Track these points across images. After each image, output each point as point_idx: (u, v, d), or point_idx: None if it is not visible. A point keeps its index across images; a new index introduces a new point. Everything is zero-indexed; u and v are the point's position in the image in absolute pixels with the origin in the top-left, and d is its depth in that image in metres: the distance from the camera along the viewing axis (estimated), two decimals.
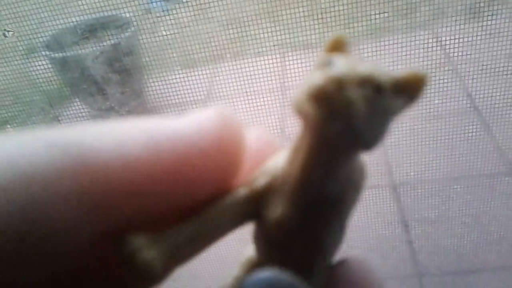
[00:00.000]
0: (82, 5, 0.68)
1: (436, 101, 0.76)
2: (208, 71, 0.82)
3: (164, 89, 0.77)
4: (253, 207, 0.12)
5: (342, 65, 0.10)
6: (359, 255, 0.13)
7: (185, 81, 0.76)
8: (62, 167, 0.09)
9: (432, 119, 0.79)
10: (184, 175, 0.11)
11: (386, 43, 0.68)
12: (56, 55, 0.84)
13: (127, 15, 0.83)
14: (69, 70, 0.84)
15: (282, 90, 0.83)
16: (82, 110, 0.89)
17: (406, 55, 0.69)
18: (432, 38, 0.69)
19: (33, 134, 0.10)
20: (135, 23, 0.86)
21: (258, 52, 0.73)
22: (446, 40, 0.69)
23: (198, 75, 0.77)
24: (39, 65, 0.77)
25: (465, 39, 0.68)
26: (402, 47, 0.68)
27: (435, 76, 0.74)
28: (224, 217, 0.12)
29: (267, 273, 0.10)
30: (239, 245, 0.73)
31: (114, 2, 0.66)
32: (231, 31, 0.70)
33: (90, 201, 0.09)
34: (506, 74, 0.70)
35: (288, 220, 0.12)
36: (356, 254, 0.13)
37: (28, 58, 0.78)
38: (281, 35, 0.69)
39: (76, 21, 0.79)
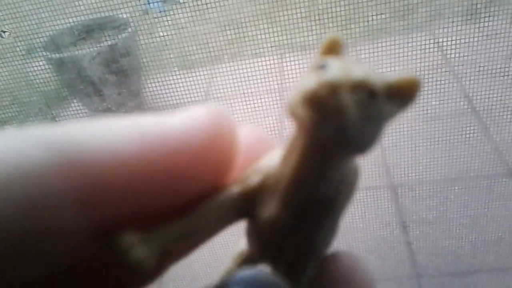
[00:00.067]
0: (80, 6, 0.68)
1: (434, 103, 0.76)
2: (206, 72, 0.82)
3: (161, 90, 0.77)
4: (246, 205, 0.12)
5: (336, 69, 0.10)
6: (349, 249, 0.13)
7: (182, 82, 0.76)
8: (55, 164, 0.09)
9: (430, 120, 0.79)
10: (177, 172, 0.11)
11: (384, 44, 0.68)
12: (54, 56, 0.84)
13: (125, 16, 0.83)
14: (67, 71, 0.84)
15: (280, 91, 0.83)
16: (79, 111, 0.89)
17: (403, 56, 0.69)
18: (430, 39, 0.69)
19: (26, 132, 0.10)
20: (132, 24, 0.86)
21: (256, 53, 0.73)
22: (443, 42, 0.70)
23: (196, 76, 0.77)
24: (37, 66, 0.77)
25: (463, 41, 0.68)
26: (399, 48, 0.69)
27: (432, 78, 0.74)
28: (217, 214, 0.12)
29: (252, 272, 0.10)
30: None
31: (112, 3, 0.65)
32: (228, 32, 0.70)
33: (84, 198, 0.09)
34: (504, 76, 0.70)
35: (280, 220, 0.12)
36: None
37: (26, 59, 0.78)
38: (279, 36, 0.69)
39: (74, 22, 0.79)
